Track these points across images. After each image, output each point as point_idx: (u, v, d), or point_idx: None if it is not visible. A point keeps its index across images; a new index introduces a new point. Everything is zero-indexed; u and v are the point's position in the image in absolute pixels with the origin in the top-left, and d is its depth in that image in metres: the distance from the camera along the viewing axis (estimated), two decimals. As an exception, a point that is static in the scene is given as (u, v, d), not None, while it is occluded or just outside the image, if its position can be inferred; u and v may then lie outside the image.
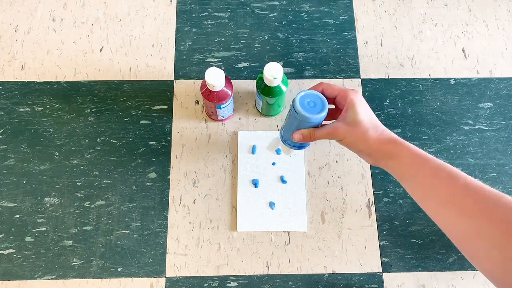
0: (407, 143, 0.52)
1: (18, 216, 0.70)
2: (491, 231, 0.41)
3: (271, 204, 0.71)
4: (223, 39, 0.81)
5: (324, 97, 0.55)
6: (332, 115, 0.58)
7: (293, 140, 0.58)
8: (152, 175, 0.73)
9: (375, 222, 0.71)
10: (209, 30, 0.82)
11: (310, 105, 0.54)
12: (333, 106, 0.58)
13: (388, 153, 0.52)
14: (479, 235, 0.42)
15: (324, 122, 0.57)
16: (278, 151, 0.73)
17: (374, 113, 0.75)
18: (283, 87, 0.67)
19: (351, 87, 0.78)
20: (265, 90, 0.67)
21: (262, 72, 0.65)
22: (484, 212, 0.43)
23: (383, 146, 0.52)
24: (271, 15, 0.83)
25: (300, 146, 0.61)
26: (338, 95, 0.55)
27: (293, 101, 0.55)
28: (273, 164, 0.73)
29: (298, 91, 0.65)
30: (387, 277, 0.69)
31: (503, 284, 0.41)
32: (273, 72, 0.63)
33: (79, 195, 0.71)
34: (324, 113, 0.54)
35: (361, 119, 0.52)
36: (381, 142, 0.52)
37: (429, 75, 0.80)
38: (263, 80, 0.66)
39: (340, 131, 0.54)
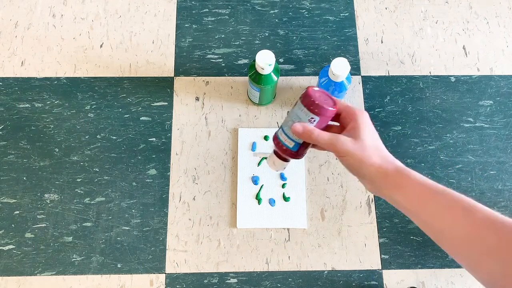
0: (413, 172, 0.46)
1: (18, 212, 0.70)
2: None
3: (271, 201, 0.71)
4: (223, 36, 0.81)
5: (334, 98, 0.49)
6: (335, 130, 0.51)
7: (293, 132, 0.48)
8: (152, 171, 0.73)
9: (375, 219, 0.71)
10: (210, 26, 0.82)
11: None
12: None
13: (393, 184, 0.46)
14: (508, 276, 0.38)
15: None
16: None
17: (375, 110, 0.77)
18: (274, 76, 0.67)
19: (352, 84, 0.78)
20: (257, 78, 0.67)
21: (254, 60, 0.65)
22: (510, 250, 0.38)
23: (386, 174, 0.46)
24: (272, 11, 0.83)
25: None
26: (343, 111, 0.49)
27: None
28: (273, 161, 0.73)
29: (298, 88, 0.64)
30: (387, 274, 0.69)
31: None
32: (266, 60, 0.64)
33: (79, 191, 0.71)
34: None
35: (367, 141, 0.47)
36: (385, 170, 0.46)
37: (430, 73, 0.80)
38: (254, 68, 0.66)
39: (345, 146, 0.47)
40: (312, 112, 0.47)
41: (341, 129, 0.50)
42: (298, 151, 0.50)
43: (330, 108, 0.47)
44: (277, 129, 0.52)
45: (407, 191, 0.45)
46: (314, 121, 0.47)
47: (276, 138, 0.51)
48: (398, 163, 0.47)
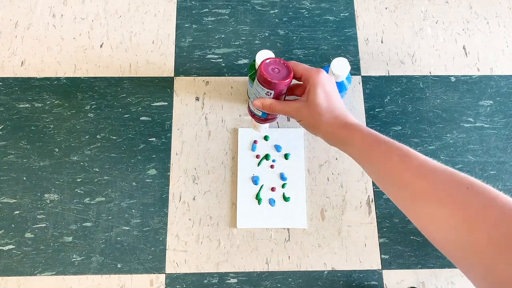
0: (360, 126, 0.51)
1: (18, 212, 0.70)
2: (445, 214, 0.40)
3: (271, 201, 0.71)
4: (223, 36, 0.81)
5: (289, 65, 0.54)
6: (299, 93, 0.58)
7: (254, 106, 0.56)
8: (152, 171, 0.73)
9: (375, 219, 0.71)
10: (210, 26, 0.82)
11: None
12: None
13: (341, 139, 0.51)
14: (435, 219, 0.41)
15: (288, 98, 0.57)
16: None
17: (375, 110, 0.77)
18: None
19: (352, 84, 0.78)
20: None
21: (254, 60, 0.65)
22: (437, 194, 0.41)
23: (336, 131, 0.51)
24: (272, 11, 0.83)
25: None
26: (302, 75, 0.54)
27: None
28: (273, 161, 0.73)
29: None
30: (387, 274, 0.69)
31: (461, 264, 0.39)
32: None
33: (79, 191, 0.71)
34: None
35: (319, 102, 0.52)
36: (334, 127, 0.51)
37: (430, 73, 0.80)
38: (254, 67, 0.66)
39: (299, 112, 0.53)
40: (267, 88, 0.53)
41: (303, 89, 0.56)
42: (267, 116, 0.60)
43: (282, 81, 0.52)
44: (248, 103, 0.62)
45: (354, 145, 0.50)
46: (271, 94, 0.54)
47: (249, 108, 0.62)
48: (349, 119, 0.52)
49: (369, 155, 0.49)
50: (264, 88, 0.54)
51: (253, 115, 0.61)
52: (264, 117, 0.60)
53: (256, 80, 0.55)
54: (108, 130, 0.75)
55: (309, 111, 0.52)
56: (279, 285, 0.68)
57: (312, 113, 0.52)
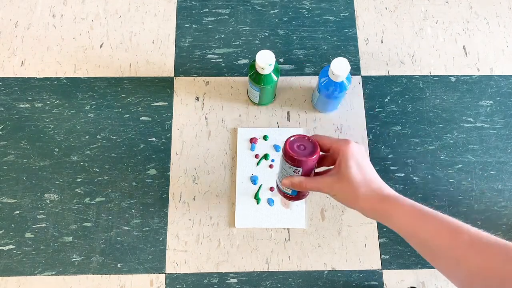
0: (399, 198, 0.48)
1: (18, 212, 0.70)
2: None
3: (270, 201, 0.71)
4: (223, 36, 0.81)
5: (314, 140, 0.52)
6: (328, 163, 0.55)
7: (283, 185, 0.54)
8: (152, 171, 0.73)
9: (375, 219, 0.71)
10: (210, 26, 0.82)
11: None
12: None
13: (382, 213, 0.48)
14: None
15: (317, 170, 0.55)
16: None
17: (375, 110, 0.77)
18: (274, 76, 0.67)
19: (352, 84, 0.78)
20: (257, 78, 0.67)
21: (254, 60, 0.65)
22: (494, 272, 0.40)
23: (375, 206, 0.48)
24: (272, 11, 0.83)
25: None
26: (330, 148, 0.52)
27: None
28: (273, 161, 0.73)
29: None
30: (387, 274, 0.69)
31: None
32: (266, 60, 0.63)
33: (79, 191, 0.72)
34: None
35: (353, 176, 0.49)
36: (373, 201, 0.49)
37: (430, 73, 0.80)
38: (254, 68, 0.66)
39: (333, 187, 0.51)
40: (294, 165, 0.51)
41: (333, 160, 0.53)
42: (298, 194, 0.57)
43: (310, 157, 0.51)
44: (276, 181, 0.59)
45: (397, 219, 0.47)
46: (299, 171, 0.52)
47: (277, 187, 0.59)
48: (386, 190, 0.49)
49: (415, 229, 0.46)
50: (291, 166, 0.52)
51: (283, 194, 0.58)
52: (295, 195, 0.57)
53: (282, 159, 0.53)
54: (108, 130, 0.75)
55: (343, 186, 0.50)
56: (279, 285, 0.68)
57: (347, 188, 0.50)
